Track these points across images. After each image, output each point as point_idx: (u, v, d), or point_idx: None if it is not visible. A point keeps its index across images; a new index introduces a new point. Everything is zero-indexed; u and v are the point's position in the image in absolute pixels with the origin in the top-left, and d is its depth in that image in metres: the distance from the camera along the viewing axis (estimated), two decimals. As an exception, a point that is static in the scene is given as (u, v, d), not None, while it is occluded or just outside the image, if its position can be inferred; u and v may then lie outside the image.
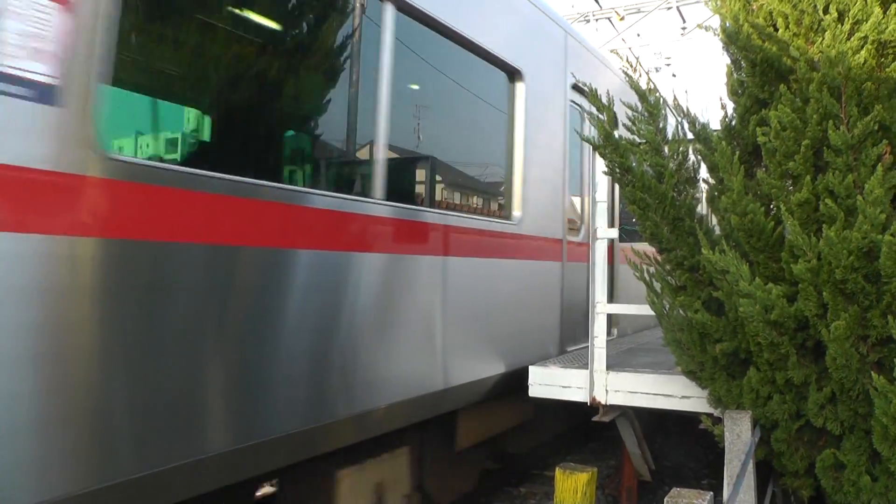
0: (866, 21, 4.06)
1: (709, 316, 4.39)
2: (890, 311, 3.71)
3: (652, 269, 4.93)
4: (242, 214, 3.53)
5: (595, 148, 4.91)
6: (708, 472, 7.61)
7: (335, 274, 4.11)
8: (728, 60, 5.00)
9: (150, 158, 3.54)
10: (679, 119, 5.00)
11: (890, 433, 3.66)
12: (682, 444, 8.16)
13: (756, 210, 4.17)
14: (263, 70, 4.07)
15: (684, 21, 19.16)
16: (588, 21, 20.03)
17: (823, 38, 4.19)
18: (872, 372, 3.75)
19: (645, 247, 5.04)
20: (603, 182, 5.49)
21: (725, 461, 4.38)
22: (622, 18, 19.73)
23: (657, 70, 22.67)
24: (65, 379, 2.85)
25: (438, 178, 5.58)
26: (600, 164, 5.16)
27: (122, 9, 3.09)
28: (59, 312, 2.83)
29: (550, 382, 5.73)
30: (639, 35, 20.83)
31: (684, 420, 5.85)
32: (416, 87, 5.16)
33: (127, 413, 3.07)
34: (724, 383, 4.49)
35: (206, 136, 3.96)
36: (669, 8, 18.96)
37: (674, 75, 23.33)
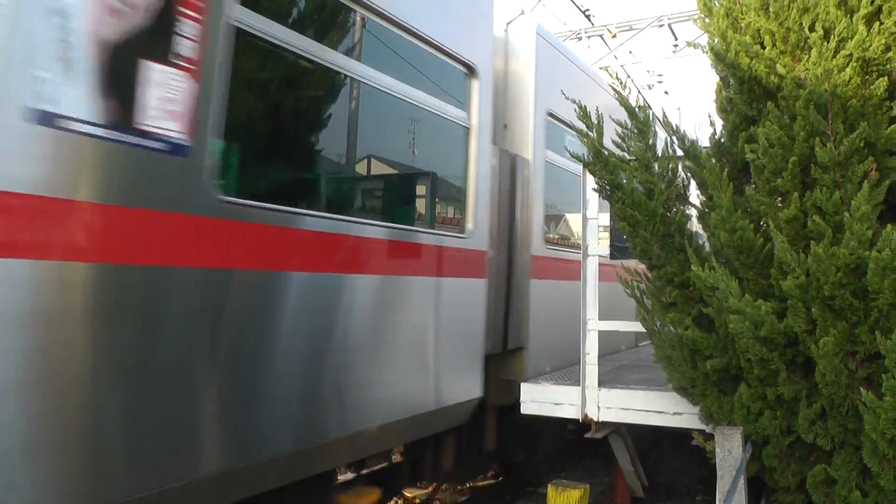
0: (851, 39, 4.10)
1: (699, 332, 4.40)
2: (878, 326, 3.72)
3: (643, 286, 4.95)
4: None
5: (585, 165, 4.93)
6: (702, 488, 7.58)
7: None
8: (717, 78, 5.05)
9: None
10: (669, 136, 5.03)
11: (879, 448, 3.66)
12: (675, 460, 8.15)
13: (745, 227, 4.19)
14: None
15: (676, 38, 19.30)
16: (580, 38, 20.15)
17: (809, 56, 4.23)
18: (861, 388, 3.76)
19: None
20: (593, 199, 5.51)
21: (717, 477, 4.38)
22: (614, 36, 19.85)
23: (650, 87, 22.81)
24: None
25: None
26: (590, 181, 5.19)
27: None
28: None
29: (542, 399, 5.73)
30: (631, 52, 20.95)
31: (678, 436, 5.85)
32: None
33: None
34: (715, 399, 4.49)
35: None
36: (661, 25, 19.09)
37: (666, 92, 23.49)
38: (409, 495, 6.98)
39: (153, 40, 3.21)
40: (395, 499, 6.78)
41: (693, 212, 4.99)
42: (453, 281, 5.59)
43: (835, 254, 3.74)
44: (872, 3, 4.15)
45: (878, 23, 4.11)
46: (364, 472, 6.06)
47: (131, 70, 3.12)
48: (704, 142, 4.98)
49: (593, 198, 5.50)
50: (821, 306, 3.86)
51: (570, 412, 5.58)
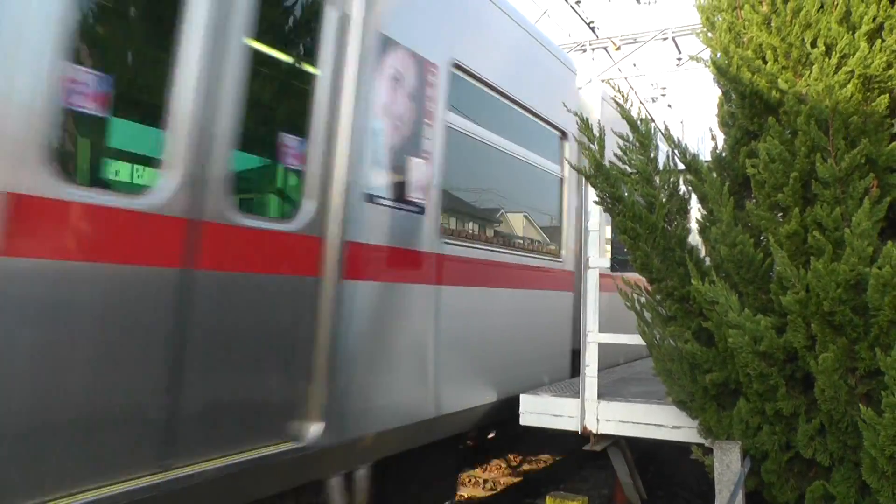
0: (853, 55, 4.11)
1: (699, 346, 4.39)
2: (877, 343, 3.72)
3: (643, 299, 4.94)
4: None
5: (587, 177, 4.94)
6: (701, 502, 7.56)
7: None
8: (719, 92, 5.06)
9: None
10: (671, 149, 5.03)
11: (878, 465, 3.66)
12: (674, 473, 8.13)
13: (745, 241, 4.19)
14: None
15: (680, 52, 19.31)
16: (584, 50, 20.18)
17: (811, 72, 4.24)
18: (861, 404, 3.75)
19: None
20: (595, 211, 5.51)
21: (715, 492, 4.37)
22: (618, 48, 19.87)
23: (653, 100, 22.82)
24: None
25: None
26: (592, 194, 5.19)
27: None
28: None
29: (542, 411, 5.72)
30: (635, 65, 20.98)
31: (677, 449, 5.84)
32: None
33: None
34: (714, 413, 4.49)
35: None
36: (665, 38, 19.10)
37: (669, 106, 23.49)
38: None
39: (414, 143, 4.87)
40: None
41: (693, 225, 4.99)
42: None
43: (835, 270, 3.74)
44: (874, 20, 4.16)
45: (879, 40, 4.12)
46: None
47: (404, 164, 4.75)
48: (706, 156, 4.99)
49: (595, 210, 5.50)
50: (820, 322, 3.85)
51: (569, 424, 5.57)
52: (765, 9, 4.54)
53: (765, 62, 4.55)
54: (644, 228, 4.62)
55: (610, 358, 7.29)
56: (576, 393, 5.64)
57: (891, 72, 4.09)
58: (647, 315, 4.88)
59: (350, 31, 4.31)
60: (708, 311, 4.31)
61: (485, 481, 8.47)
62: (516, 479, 8.37)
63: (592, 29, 20.32)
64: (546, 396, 5.81)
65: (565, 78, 7.52)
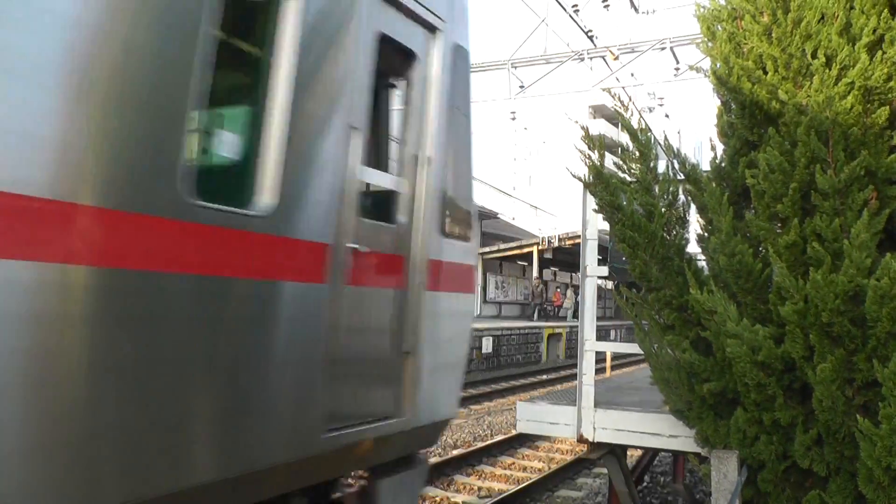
0: (853, 67, 4.13)
1: (697, 356, 4.39)
2: (875, 354, 3.73)
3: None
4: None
5: (585, 185, 4.95)
6: (696, 512, 7.57)
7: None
8: (719, 102, 5.07)
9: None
10: (670, 159, 5.05)
11: (875, 476, 3.66)
12: (671, 482, 8.13)
13: (744, 251, 4.20)
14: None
15: (678, 62, 19.40)
16: (583, 59, 20.25)
17: (811, 83, 4.26)
18: (858, 415, 3.76)
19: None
20: (593, 220, 5.51)
21: (712, 501, 4.36)
22: (616, 57, 19.96)
23: (650, 110, 22.90)
24: None
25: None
26: (591, 202, 5.20)
27: None
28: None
29: (538, 419, 5.72)
30: (633, 75, 21.05)
31: (675, 458, 5.84)
32: None
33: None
34: (711, 423, 4.48)
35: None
36: (663, 48, 19.20)
37: (667, 116, 23.58)
38: None
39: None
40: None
41: (692, 235, 5.00)
42: None
43: (833, 281, 3.75)
44: (874, 31, 4.18)
45: (880, 52, 4.14)
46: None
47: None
48: (704, 165, 5.00)
49: (593, 219, 5.50)
50: (818, 333, 3.86)
51: (565, 432, 5.56)
52: (765, 19, 4.56)
53: (765, 73, 4.58)
54: (643, 237, 4.62)
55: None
56: (572, 401, 5.64)
57: (891, 84, 4.11)
58: (645, 324, 4.88)
59: None
60: (706, 321, 4.31)
61: (479, 489, 8.46)
62: (511, 487, 8.35)
63: (591, 38, 20.39)
64: (543, 404, 5.81)
65: None
